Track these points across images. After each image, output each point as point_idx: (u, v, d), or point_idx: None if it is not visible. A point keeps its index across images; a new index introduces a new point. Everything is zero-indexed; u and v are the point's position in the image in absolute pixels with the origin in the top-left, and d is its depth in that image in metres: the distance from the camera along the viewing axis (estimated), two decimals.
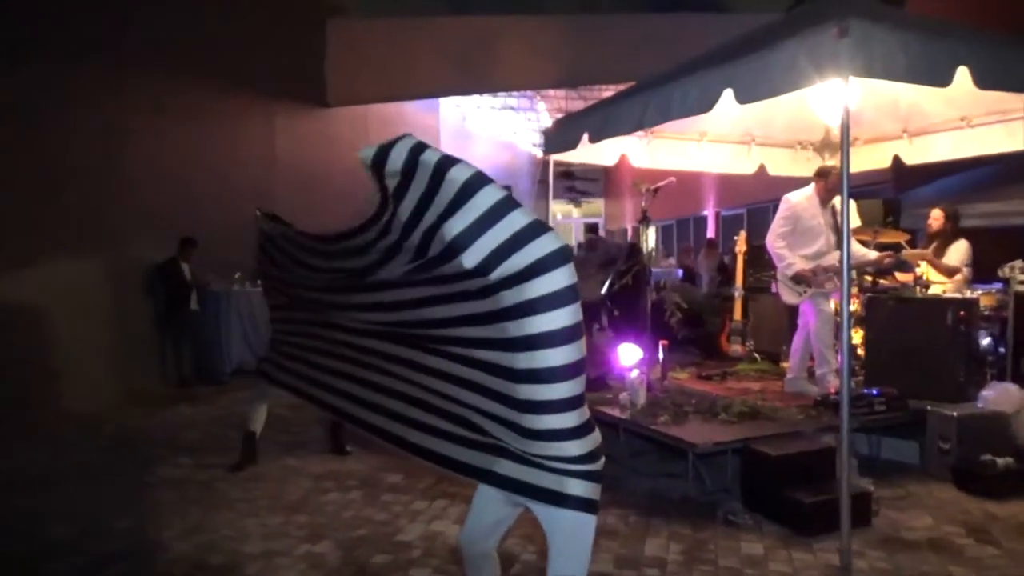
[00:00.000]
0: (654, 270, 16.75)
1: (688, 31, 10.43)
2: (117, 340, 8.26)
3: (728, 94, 4.34)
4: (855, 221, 6.64)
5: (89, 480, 5.28)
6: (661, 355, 6.13)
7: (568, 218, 28.47)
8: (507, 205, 2.24)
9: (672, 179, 5.92)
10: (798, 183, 6.96)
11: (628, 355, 6.33)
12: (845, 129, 3.78)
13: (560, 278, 2.20)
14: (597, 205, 26.35)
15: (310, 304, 4.26)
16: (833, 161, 6.43)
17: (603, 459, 2.51)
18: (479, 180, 2.25)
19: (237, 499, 4.79)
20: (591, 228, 26.77)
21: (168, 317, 8.68)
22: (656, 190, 5.84)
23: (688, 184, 16.88)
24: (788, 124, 7.05)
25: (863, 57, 3.68)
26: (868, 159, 7.38)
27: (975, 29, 4.56)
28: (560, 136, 6.32)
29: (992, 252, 6.34)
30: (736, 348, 6.99)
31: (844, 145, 3.79)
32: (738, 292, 7.03)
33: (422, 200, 2.39)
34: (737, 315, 7.02)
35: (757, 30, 5.24)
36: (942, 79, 3.95)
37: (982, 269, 6.38)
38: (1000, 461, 4.71)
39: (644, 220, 5.75)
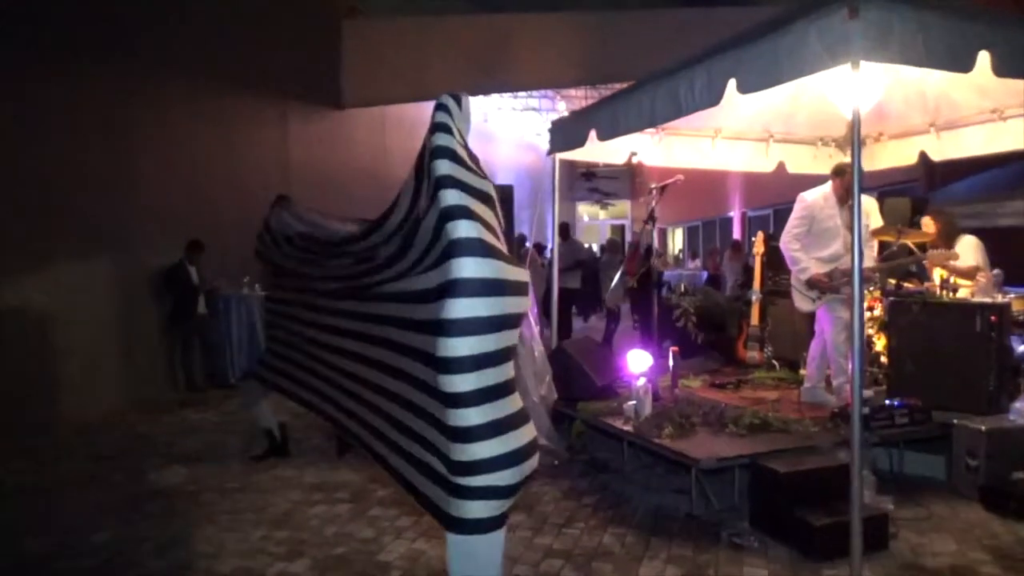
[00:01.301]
0: (678, 273, 16.51)
1: (718, 25, 10.06)
2: (124, 344, 8.17)
3: (733, 84, 4.05)
4: (877, 221, 6.29)
5: (78, 489, 5.15)
6: (672, 362, 5.83)
7: (595, 220, 28.17)
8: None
9: (680, 177, 5.62)
10: (822, 181, 6.64)
11: (638, 362, 6.07)
12: (856, 121, 3.47)
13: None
14: (623, 207, 26.01)
15: (296, 306, 4.27)
16: (841, 157, 6.06)
17: (520, 468, 2.47)
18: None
19: (222, 511, 4.62)
20: (617, 230, 26.47)
21: (175, 321, 8.59)
22: (663, 189, 5.54)
23: (714, 184, 16.54)
24: (809, 119, 6.71)
25: (877, 40, 3.37)
26: (894, 155, 7.00)
27: (999, 12, 4.19)
28: (565, 134, 6.07)
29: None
30: (753, 355, 6.66)
31: (855, 138, 3.48)
32: (756, 296, 6.70)
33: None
34: (755, 320, 6.68)
35: (772, 16, 4.94)
36: (963, 64, 3.62)
37: (1018, 271, 5.99)
38: None
39: (650, 220, 5.46)
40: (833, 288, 5.13)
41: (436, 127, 2.51)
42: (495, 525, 2.50)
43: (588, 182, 21.02)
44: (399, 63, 12.17)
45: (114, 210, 8.08)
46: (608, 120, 5.28)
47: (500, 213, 2.61)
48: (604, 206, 25.35)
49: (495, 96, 16.93)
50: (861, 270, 3.48)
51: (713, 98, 4.21)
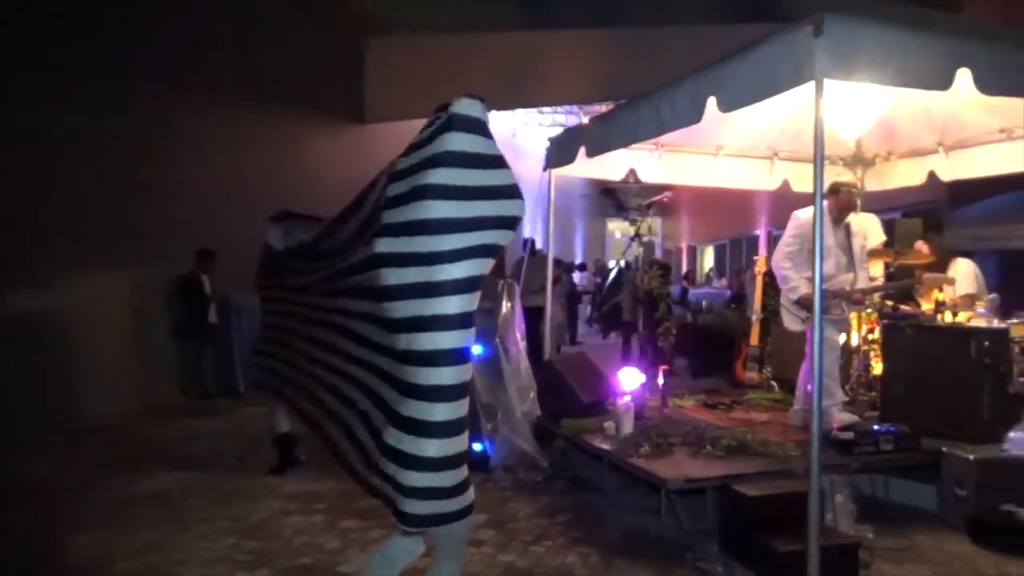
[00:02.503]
0: (705, 291, 16.31)
1: (744, 41, 9.93)
2: (139, 351, 8.38)
3: (713, 102, 4.02)
4: (879, 237, 6.15)
5: (75, 492, 5.27)
6: (661, 381, 5.77)
7: (626, 236, 27.93)
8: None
9: (668, 194, 5.58)
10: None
11: (628, 380, 6.01)
12: (819, 140, 3.40)
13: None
14: (654, 223, 25.81)
15: (288, 310, 4.37)
16: (849, 176, 5.94)
17: (448, 474, 2.53)
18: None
19: (202, 519, 4.68)
20: (649, 247, 26.19)
21: (188, 330, 8.77)
22: (649, 206, 5.50)
23: (741, 202, 16.33)
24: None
25: (841, 58, 3.32)
26: (903, 175, 6.87)
27: (980, 29, 4.09)
28: (560, 150, 6.09)
29: None
30: (752, 375, 6.55)
31: (817, 156, 3.41)
32: (755, 315, 6.60)
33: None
34: (754, 340, 6.58)
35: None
36: (941, 83, 3.55)
37: None
38: (1023, 512, 4.17)
39: (636, 238, 5.42)
40: (823, 309, 5.00)
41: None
42: (444, 520, 2.60)
43: (609, 199, 20.87)
44: (422, 79, 12.27)
45: (133, 220, 8.30)
46: (596, 137, 5.29)
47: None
48: (633, 222, 25.16)
49: (521, 112, 16.98)
50: (823, 292, 3.40)
51: (694, 116, 4.20)
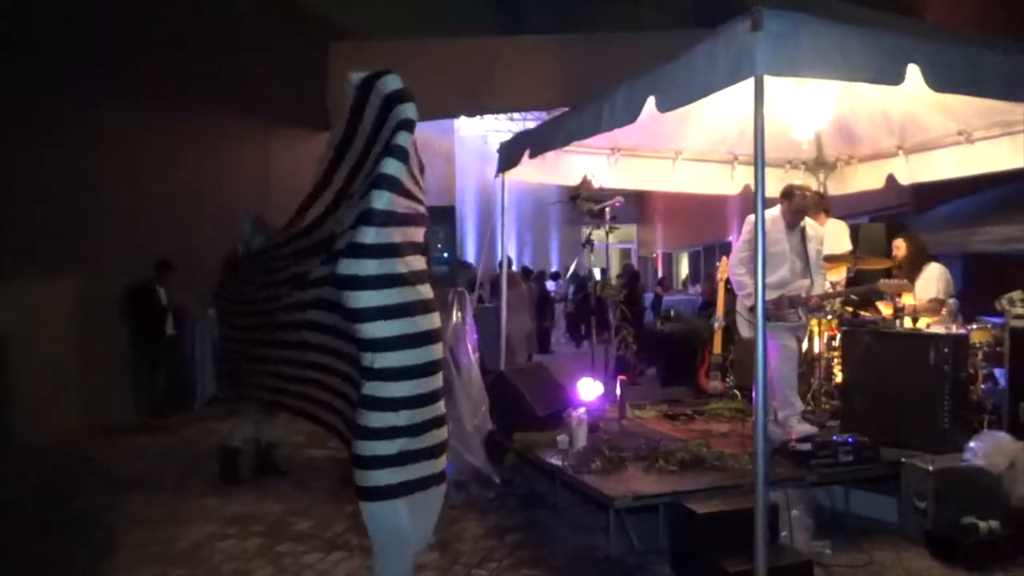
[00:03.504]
0: (677, 298, 16.20)
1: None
2: (87, 365, 8.07)
3: (652, 102, 3.86)
4: (845, 245, 6.04)
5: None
6: (619, 391, 5.60)
7: (601, 244, 27.80)
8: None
9: (619, 199, 5.42)
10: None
11: (587, 390, 5.84)
12: (759, 139, 3.25)
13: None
14: (629, 230, 25.72)
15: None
16: (811, 180, 5.82)
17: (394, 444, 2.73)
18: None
19: (130, 544, 4.44)
20: (625, 255, 26.19)
21: (143, 342, 8.48)
22: (601, 211, 5.34)
23: (714, 208, 16.26)
24: (777, 141, 6.43)
25: (782, 53, 3.17)
26: (864, 179, 6.78)
27: (930, 25, 3.98)
28: (509, 154, 5.93)
29: (1010, 280, 5.66)
30: (715, 384, 6.39)
31: (758, 157, 3.26)
32: (718, 323, 6.44)
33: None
34: (717, 348, 6.42)
35: None
36: (891, 78, 3.41)
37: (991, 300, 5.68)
38: (984, 525, 4.02)
39: (587, 244, 5.26)
40: (780, 316, 4.86)
41: (404, 125, 2.74)
42: (391, 494, 2.77)
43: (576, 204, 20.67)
44: None
45: (82, 229, 8.01)
46: (538, 139, 5.17)
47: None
48: (610, 230, 25.03)
49: (490, 119, 16.87)
50: (764, 300, 3.23)
51: (631, 116, 4.05)
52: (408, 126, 2.72)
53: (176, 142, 9.32)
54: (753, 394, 3.25)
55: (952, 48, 3.47)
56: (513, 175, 6.29)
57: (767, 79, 3.07)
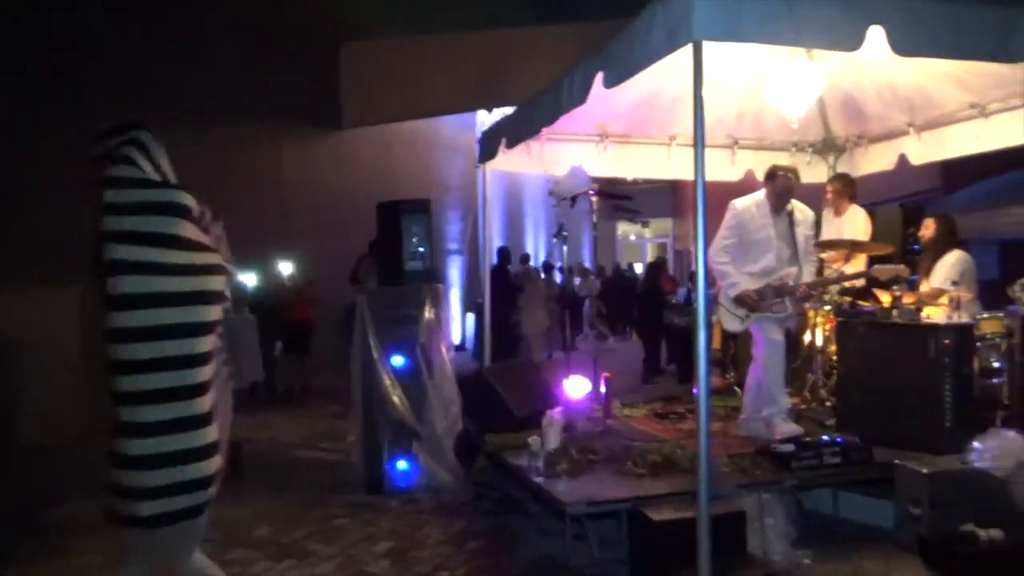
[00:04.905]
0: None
1: None
2: (95, 370, 8.10)
3: (600, 78, 3.60)
4: (859, 232, 5.61)
5: None
6: (604, 389, 5.32)
7: (641, 239, 27.32)
8: None
9: (593, 187, 5.14)
10: (812, 190, 6.01)
11: (576, 388, 5.59)
12: (698, 111, 2.96)
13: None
14: (665, 224, 25.19)
15: None
16: (779, 165, 5.38)
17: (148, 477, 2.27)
18: None
19: (84, 550, 4.33)
20: (660, 248, 25.68)
21: None
22: (574, 200, 5.07)
23: (732, 198, 15.71)
24: (781, 122, 6.08)
25: (721, 17, 2.88)
26: (876, 160, 6.34)
27: None
28: (488, 144, 5.69)
29: None
30: (714, 380, 6.04)
31: (698, 131, 2.97)
32: (716, 317, 6.07)
33: None
34: (716, 343, 6.08)
35: None
36: (850, 42, 3.07)
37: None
38: (983, 534, 3.64)
39: (559, 234, 4.99)
40: (764, 307, 4.53)
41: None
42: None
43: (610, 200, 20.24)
44: (399, 82, 12.01)
45: (90, 234, 8.04)
46: (511, 128, 4.92)
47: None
48: (645, 224, 24.48)
49: (497, 112, 16.66)
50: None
51: (583, 95, 3.77)
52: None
53: (186, 145, 9.30)
54: (695, 390, 2.95)
55: (917, 5, 3.11)
56: (500, 165, 6.07)
57: (752, 52, 2.81)
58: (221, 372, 2.44)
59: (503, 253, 10.57)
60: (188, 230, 2.31)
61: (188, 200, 2.37)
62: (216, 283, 2.39)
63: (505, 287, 9.42)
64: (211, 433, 2.33)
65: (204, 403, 2.30)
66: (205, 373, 2.30)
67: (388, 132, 12.93)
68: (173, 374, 2.22)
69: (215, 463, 2.35)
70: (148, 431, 2.23)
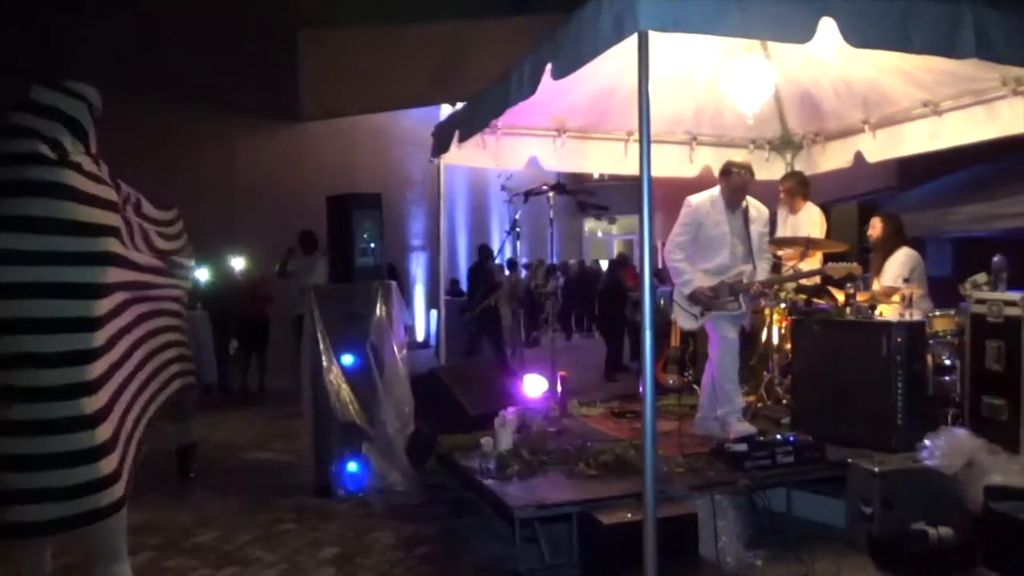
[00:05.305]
0: (667, 289, 15.75)
1: None
2: None
3: (549, 70, 3.50)
4: (814, 230, 5.60)
5: None
6: (560, 388, 5.24)
7: (608, 235, 27.32)
8: None
9: (546, 185, 5.06)
10: (770, 187, 5.98)
11: (532, 387, 5.50)
12: (644, 103, 2.87)
13: None
14: (632, 221, 25.22)
15: None
16: (733, 161, 5.36)
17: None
18: None
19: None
20: (625, 245, 25.69)
21: None
22: (527, 196, 4.98)
23: (680, 195, 15.78)
24: (739, 119, 6.06)
25: (671, 4, 2.81)
26: (833, 158, 6.34)
27: None
28: (440, 137, 5.58)
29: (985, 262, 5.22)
30: (673, 379, 6.00)
31: (643, 126, 2.88)
32: (674, 314, 6.03)
33: None
34: (675, 341, 6.03)
35: None
36: (800, 33, 3.02)
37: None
38: (933, 532, 3.63)
39: (512, 231, 4.89)
40: (719, 305, 4.48)
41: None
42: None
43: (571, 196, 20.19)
44: (360, 73, 11.79)
45: None
46: (463, 121, 4.79)
47: None
48: (612, 221, 24.48)
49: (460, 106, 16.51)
50: (652, 287, 2.87)
51: (531, 87, 3.68)
52: None
53: (134, 139, 9.05)
54: (640, 388, 2.87)
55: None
56: (454, 160, 5.96)
57: (709, 47, 2.70)
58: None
59: (483, 251, 10.45)
60: None
61: None
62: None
63: (489, 285, 9.27)
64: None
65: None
66: None
67: (349, 125, 12.70)
68: None
69: None
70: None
